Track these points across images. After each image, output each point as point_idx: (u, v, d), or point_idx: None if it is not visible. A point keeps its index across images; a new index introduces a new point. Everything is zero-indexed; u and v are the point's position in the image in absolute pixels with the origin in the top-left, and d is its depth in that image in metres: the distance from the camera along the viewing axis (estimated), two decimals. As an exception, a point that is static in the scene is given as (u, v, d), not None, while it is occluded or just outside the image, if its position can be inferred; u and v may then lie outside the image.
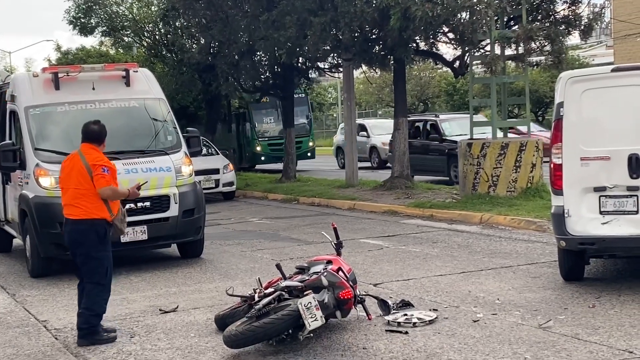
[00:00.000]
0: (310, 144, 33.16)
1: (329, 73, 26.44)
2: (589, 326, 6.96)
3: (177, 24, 26.55)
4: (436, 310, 7.74)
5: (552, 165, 8.49)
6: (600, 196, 8.18)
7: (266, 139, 31.76)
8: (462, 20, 16.68)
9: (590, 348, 6.34)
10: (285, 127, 25.19)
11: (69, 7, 27.09)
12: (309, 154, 32.90)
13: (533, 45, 16.49)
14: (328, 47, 19.52)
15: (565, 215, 8.31)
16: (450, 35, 18.12)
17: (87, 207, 7.44)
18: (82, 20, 26.87)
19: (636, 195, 8.03)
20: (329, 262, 7.46)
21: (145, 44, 28.98)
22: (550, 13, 17.84)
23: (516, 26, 17.78)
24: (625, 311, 7.40)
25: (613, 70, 8.43)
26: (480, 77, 18.75)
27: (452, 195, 17.13)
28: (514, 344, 6.56)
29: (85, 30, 27.19)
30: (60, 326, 8.13)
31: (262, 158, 31.67)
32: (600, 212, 8.19)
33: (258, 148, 31.87)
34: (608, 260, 9.54)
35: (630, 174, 8.03)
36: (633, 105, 8.10)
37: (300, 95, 31.80)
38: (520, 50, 16.76)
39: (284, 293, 6.88)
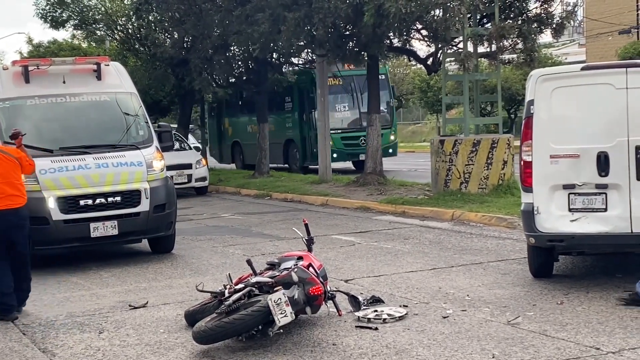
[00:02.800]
0: (392, 137, 26.76)
1: (302, 69, 26.41)
2: (557, 323, 7.02)
3: (150, 17, 26.35)
4: (406, 306, 7.77)
5: (522, 163, 8.55)
6: (569, 194, 8.24)
7: (338, 131, 25.30)
8: (435, 17, 16.75)
9: (558, 344, 6.39)
10: (259, 122, 25.13)
11: (38, 0, 26.81)
12: (390, 150, 26.26)
13: (505, 43, 16.61)
14: (302, 43, 19.51)
15: (535, 213, 8.37)
16: (424, 32, 18.19)
17: (24, 195, 8.51)
18: (53, 15, 26.57)
19: (605, 193, 8.10)
20: (300, 258, 7.45)
21: (118, 38, 28.75)
22: (523, 11, 17.97)
23: (489, 24, 17.90)
24: (593, 308, 7.47)
25: (583, 69, 8.50)
26: (453, 74, 18.85)
27: (425, 191, 17.20)
28: (482, 340, 6.60)
29: (56, 23, 26.91)
30: (28, 321, 8.06)
31: (334, 155, 23.83)
32: (570, 210, 8.25)
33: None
34: (576, 258, 9.61)
35: (599, 172, 8.10)
36: (603, 103, 8.17)
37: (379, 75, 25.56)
38: (493, 47, 16.87)
39: (254, 289, 6.87)
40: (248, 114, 29.55)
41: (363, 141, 24.44)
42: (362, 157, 24.51)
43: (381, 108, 24.91)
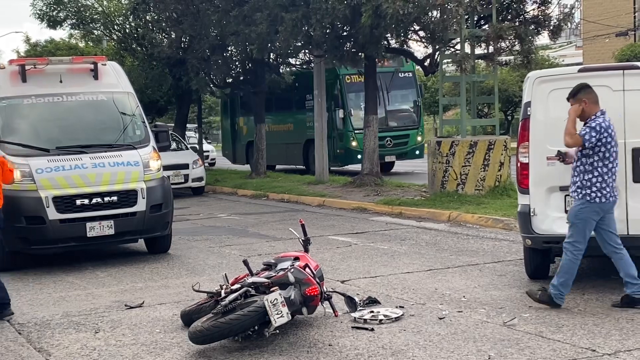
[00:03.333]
0: (419, 138, 25.61)
1: (300, 69, 26.42)
2: (553, 324, 7.03)
3: (147, 17, 26.36)
4: (402, 307, 7.77)
5: (518, 164, 8.56)
6: (565, 195, 8.24)
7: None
8: (432, 19, 16.77)
9: (554, 346, 6.39)
10: (256, 123, 25.11)
11: (34, 0, 26.76)
12: (417, 152, 25.44)
13: (503, 44, 16.62)
14: (299, 44, 19.52)
15: (531, 214, 8.38)
16: (421, 33, 18.19)
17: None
18: (50, 14, 26.53)
19: (601, 195, 8.09)
20: (297, 258, 7.45)
21: (115, 37, 28.74)
22: (520, 13, 17.98)
23: (486, 25, 17.91)
24: (589, 310, 7.48)
25: (580, 71, 8.50)
26: (451, 75, 18.87)
27: (421, 193, 17.21)
28: (478, 341, 6.60)
29: (54, 23, 26.88)
30: (24, 321, 8.05)
31: (359, 156, 22.39)
32: (566, 211, 8.23)
33: (354, 143, 24.43)
34: (573, 259, 9.60)
35: (595, 174, 8.09)
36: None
37: (405, 73, 24.39)
38: (490, 49, 16.88)
39: (250, 289, 6.86)
40: (266, 112, 27.21)
41: (389, 142, 24.33)
42: (388, 158, 24.31)
43: (408, 107, 25.14)
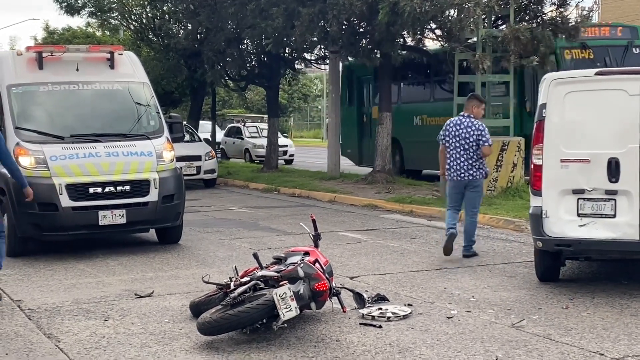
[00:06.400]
0: None
1: (315, 64, 26.43)
2: (562, 327, 7.01)
3: (164, 8, 26.40)
4: (411, 305, 7.77)
5: (532, 166, 8.54)
6: (578, 199, 8.22)
7: None
8: (450, 18, 16.72)
9: (562, 349, 6.38)
10: (270, 117, 25.16)
11: None
12: None
13: (519, 45, 16.52)
14: (315, 39, 19.53)
15: (543, 216, 8.36)
16: (438, 32, 18.15)
17: None
18: (70, 1, 26.62)
19: (614, 199, 8.08)
20: (306, 253, 7.46)
21: (132, 27, 28.80)
22: (538, 14, 17.90)
23: (503, 25, 17.84)
24: (599, 314, 7.46)
25: (597, 74, 8.46)
26: (465, 75, 18.77)
27: (433, 191, 17.18)
28: (486, 341, 6.59)
29: (72, 10, 26.96)
30: (34, 306, 8.09)
31: None
32: (578, 215, 8.23)
33: None
34: (583, 263, 9.61)
35: (609, 178, 8.08)
36: (615, 109, 8.14)
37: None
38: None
39: (259, 282, 6.87)
40: (412, 100, 22.49)
41: None
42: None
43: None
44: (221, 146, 35.23)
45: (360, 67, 22.46)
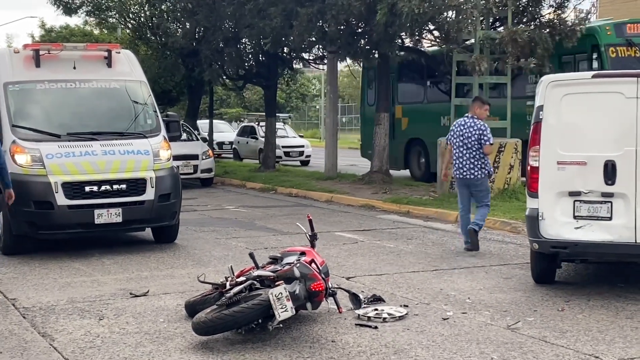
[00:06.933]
0: None
1: (313, 64, 26.44)
2: (557, 329, 7.01)
3: (162, 7, 26.37)
4: (407, 306, 7.77)
5: (529, 168, 8.54)
6: (574, 201, 8.22)
7: None
8: (448, 19, 16.73)
9: (557, 351, 6.38)
10: (267, 117, 25.16)
11: None
12: None
13: (517, 47, 16.53)
14: (313, 39, 19.53)
15: (540, 218, 8.35)
16: (436, 33, 18.16)
17: None
18: (66, 1, 26.55)
19: (610, 202, 8.08)
20: (303, 253, 7.45)
21: (130, 26, 28.77)
22: (536, 16, 17.91)
23: (501, 27, 17.85)
24: (594, 316, 7.46)
25: (594, 76, 8.48)
26: (463, 76, 18.77)
27: (430, 192, 17.18)
28: (481, 343, 6.59)
29: (69, 9, 26.91)
30: (28, 305, 8.08)
31: None
32: (574, 217, 8.23)
33: None
34: (579, 265, 9.60)
35: (605, 180, 8.08)
36: (612, 111, 8.14)
37: None
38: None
39: (255, 282, 6.86)
40: (440, 99, 20.72)
41: None
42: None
43: None
44: (234, 146, 34.46)
45: (383, 80, 21.09)
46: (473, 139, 10.83)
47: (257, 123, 33.61)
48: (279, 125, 32.25)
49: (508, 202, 15.07)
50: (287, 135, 33.57)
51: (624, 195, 8.02)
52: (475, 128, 10.84)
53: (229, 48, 22.97)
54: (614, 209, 8.07)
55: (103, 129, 11.48)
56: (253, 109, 57.34)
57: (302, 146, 32.92)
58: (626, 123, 8.04)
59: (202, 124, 37.49)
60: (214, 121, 33.06)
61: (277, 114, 27.56)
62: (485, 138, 10.81)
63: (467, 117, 11.04)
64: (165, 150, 11.57)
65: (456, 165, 11.06)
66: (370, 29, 17.71)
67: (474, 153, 10.86)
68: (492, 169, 11.39)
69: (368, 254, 10.84)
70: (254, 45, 23.29)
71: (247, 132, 34.26)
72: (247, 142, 33.51)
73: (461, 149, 10.94)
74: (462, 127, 10.96)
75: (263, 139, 30.57)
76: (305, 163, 32.14)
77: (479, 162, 10.89)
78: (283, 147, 30.93)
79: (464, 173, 10.94)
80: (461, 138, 10.93)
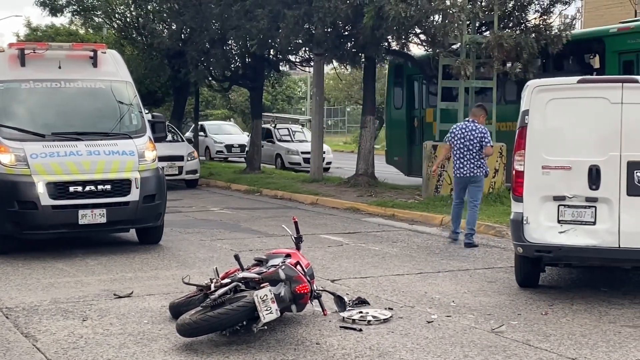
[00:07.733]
0: None
1: (299, 67, 26.44)
2: (541, 333, 7.04)
3: (148, 7, 26.30)
4: (391, 309, 7.78)
5: (513, 172, 8.57)
6: (559, 205, 8.26)
7: None
8: (434, 23, 16.77)
9: (540, 355, 6.40)
10: (253, 119, 25.14)
11: None
12: None
13: (503, 51, 16.61)
14: (300, 41, 19.53)
15: (524, 222, 8.38)
16: (422, 36, 18.20)
17: None
18: (52, 2, 26.41)
19: (594, 207, 8.12)
20: (288, 255, 7.44)
21: (116, 26, 28.66)
22: (522, 21, 18.00)
23: (487, 32, 17.92)
24: (577, 320, 7.50)
25: (579, 82, 8.51)
26: (449, 80, 18.83)
27: (415, 196, 17.22)
28: (465, 346, 6.61)
29: (55, 10, 26.77)
30: (12, 305, 8.02)
31: None
32: (559, 221, 8.27)
33: None
34: (563, 269, 9.65)
35: (589, 185, 8.12)
36: (596, 117, 8.19)
37: None
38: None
39: (240, 284, 6.85)
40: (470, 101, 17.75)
41: None
42: None
43: None
44: (247, 149, 29.64)
45: (411, 81, 21.06)
46: (475, 141, 11.70)
47: (273, 125, 31.18)
48: (297, 128, 31.25)
49: (493, 206, 15.12)
50: (307, 140, 28.42)
51: (608, 200, 8.07)
52: (478, 131, 11.72)
53: (215, 49, 22.93)
54: (598, 214, 8.12)
55: (88, 129, 11.43)
56: (238, 111, 57.25)
57: (323, 152, 25.73)
58: (611, 128, 8.09)
59: (210, 125, 36.68)
60: (219, 122, 32.29)
61: (296, 117, 26.75)
62: (486, 140, 11.73)
63: (468, 121, 11.95)
64: (151, 151, 11.53)
65: (456, 165, 11.89)
66: (357, 32, 17.74)
67: (474, 154, 11.73)
68: (488, 170, 12.25)
69: (353, 257, 10.84)
70: (240, 46, 23.27)
71: (262, 135, 28.88)
72: (263, 146, 27.99)
73: (462, 151, 11.77)
74: (463, 130, 11.79)
75: (281, 144, 29.71)
76: (324, 170, 25.80)
77: (479, 162, 11.79)
78: (302, 152, 28.10)
79: (465, 172, 11.79)
80: (463, 140, 11.75)
